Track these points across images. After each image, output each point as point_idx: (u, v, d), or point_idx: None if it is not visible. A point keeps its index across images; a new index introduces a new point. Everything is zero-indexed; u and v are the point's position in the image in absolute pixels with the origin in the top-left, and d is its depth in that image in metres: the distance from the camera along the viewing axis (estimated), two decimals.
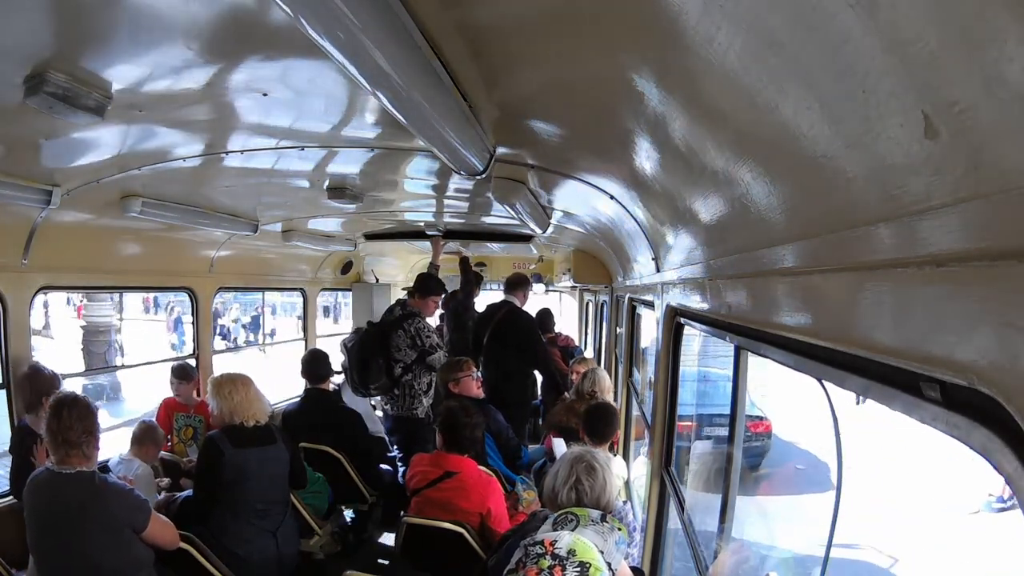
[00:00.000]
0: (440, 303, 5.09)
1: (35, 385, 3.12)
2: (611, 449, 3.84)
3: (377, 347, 4.48)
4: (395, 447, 4.64)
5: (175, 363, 4.50)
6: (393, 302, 4.98)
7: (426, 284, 4.72)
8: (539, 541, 1.59)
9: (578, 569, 1.53)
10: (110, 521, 2.35)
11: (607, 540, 1.87)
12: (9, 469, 3.06)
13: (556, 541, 1.58)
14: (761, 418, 7.43)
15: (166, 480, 3.73)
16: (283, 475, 3.08)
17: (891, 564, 6.09)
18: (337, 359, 4.89)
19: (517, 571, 1.57)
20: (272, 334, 17.49)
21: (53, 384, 3.12)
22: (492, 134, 2.23)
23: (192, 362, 4.72)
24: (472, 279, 5.99)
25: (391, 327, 4.51)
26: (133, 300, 21.95)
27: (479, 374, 4.22)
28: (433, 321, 5.01)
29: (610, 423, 3.34)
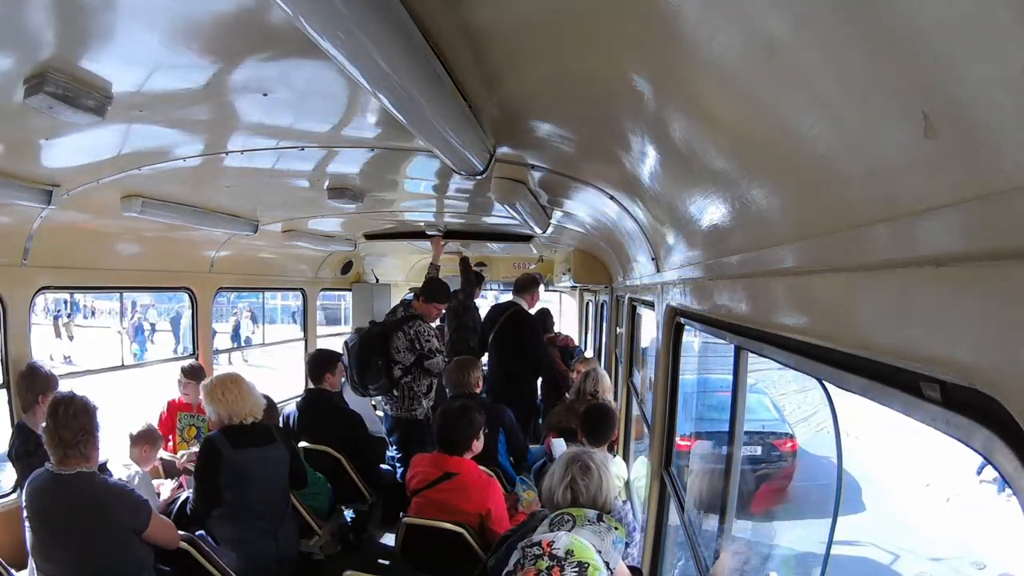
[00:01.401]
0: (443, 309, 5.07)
1: (31, 384, 3.12)
2: (611, 449, 3.84)
3: (378, 347, 4.47)
4: (393, 447, 4.64)
5: (184, 363, 4.50)
6: (397, 302, 4.98)
7: (432, 290, 4.69)
8: (536, 542, 1.59)
9: (576, 569, 1.52)
10: (111, 523, 2.34)
11: (604, 540, 1.86)
12: (16, 472, 3.05)
13: (554, 542, 1.57)
14: (789, 436, 7.02)
15: (172, 482, 3.72)
16: (283, 475, 3.08)
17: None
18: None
19: (515, 573, 1.56)
20: (248, 342, 16.74)
21: (49, 384, 3.11)
22: (492, 134, 2.24)
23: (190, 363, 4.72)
24: (472, 279, 5.99)
25: (392, 328, 4.51)
26: (100, 304, 21.06)
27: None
28: (435, 321, 5.00)
29: (608, 424, 3.33)
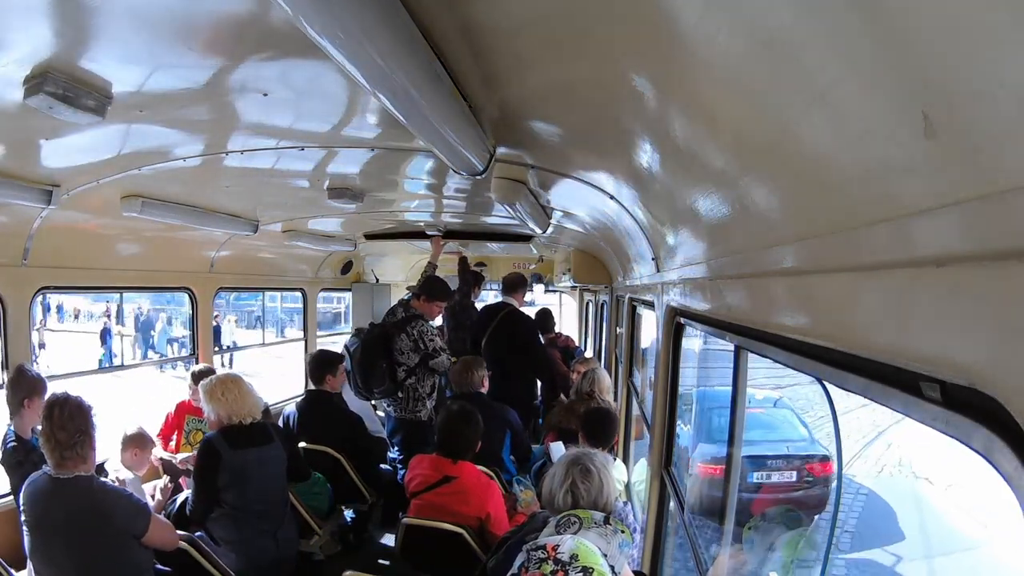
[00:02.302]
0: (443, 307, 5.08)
1: (15, 388, 3.04)
2: (611, 451, 3.85)
3: (380, 350, 4.45)
4: (396, 448, 4.63)
5: (195, 367, 4.48)
6: (395, 303, 4.97)
7: (433, 288, 4.67)
8: (541, 546, 1.58)
9: (580, 573, 1.52)
10: (110, 527, 2.33)
11: (610, 543, 1.86)
12: (10, 480, 2.96)
13: (559, 546, 1.57)
14: (826, 458, 5.87)
15: (163, 480, 3.71)
16: (281, 475, 3.08)
17: None
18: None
19: (519, 575, 1.56)
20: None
21: (36, 388, 3.04)
22: (492, 134, 2.23)
23: (192, 363, 4.72)
24: (470, 280, 5.99)
25: (394, 329, 4.49)
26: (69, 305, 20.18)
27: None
28: (435, 321, 5.00)
29: (608, 427, 3.33)
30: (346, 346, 4.74)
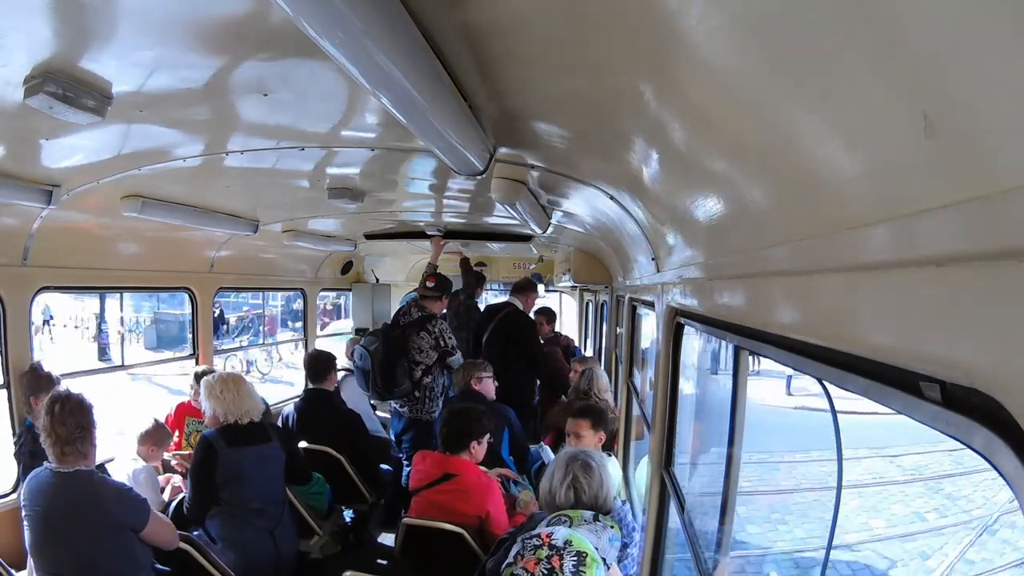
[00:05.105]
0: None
1: (23, 385, 3.14)
2: (610, 449, 3.85)
3: (401, 350, 4.50)
4: (405, 446, 4.65)
5: (198, 368, 4.48)
6: (405, 303, 4.99)
7: (446, 284, 4.83)
8: (536, 534, 1.64)
9: (575, 558, 1.57)
10: (109, 521, 2.34)
11: (601, 537, 1.89)
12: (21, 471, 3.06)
13: (552, 533, 1.63)
14: None
15: (175, 476, 3.73)
16: (279, 474, 3.08)
17: None
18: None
19: (515, 564, 1.60)
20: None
21: (42, 385, 3.11)
22: (492, 134, 2.23)
23: (192, 363, 4.72)
24: (473, 280, 6.02)
25: (412, 329, 4.52)
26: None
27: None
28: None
29: (601, 414, 3.36)
30: (363, 346, 4.72)
